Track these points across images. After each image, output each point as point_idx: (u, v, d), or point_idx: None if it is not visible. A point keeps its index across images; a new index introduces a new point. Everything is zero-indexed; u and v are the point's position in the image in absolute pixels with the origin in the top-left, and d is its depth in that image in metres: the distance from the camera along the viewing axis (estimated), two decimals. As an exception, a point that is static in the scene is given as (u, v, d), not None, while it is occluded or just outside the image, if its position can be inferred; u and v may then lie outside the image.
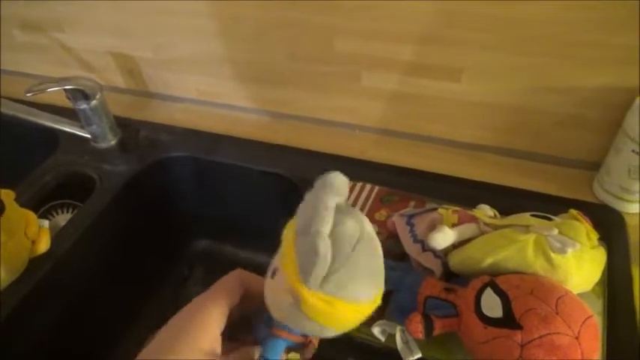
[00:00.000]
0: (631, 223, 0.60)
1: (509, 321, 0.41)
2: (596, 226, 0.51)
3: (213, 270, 0.86)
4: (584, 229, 0.47)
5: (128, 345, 0.74)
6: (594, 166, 0.66)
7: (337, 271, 0.31)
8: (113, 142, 0.77)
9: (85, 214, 0.68)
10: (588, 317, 0.41)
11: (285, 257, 0.33)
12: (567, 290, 0.43)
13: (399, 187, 0.64)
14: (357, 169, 0.70)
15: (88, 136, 0.75)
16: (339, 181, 0.33)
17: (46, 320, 0.63)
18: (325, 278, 0.31)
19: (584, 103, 0.62)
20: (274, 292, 0.35)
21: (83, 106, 0.70)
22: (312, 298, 0.31)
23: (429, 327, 0.44)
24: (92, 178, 0.73)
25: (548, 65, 0.61)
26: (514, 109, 0.66)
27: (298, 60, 0.73)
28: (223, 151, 0.77)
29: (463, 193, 0.62)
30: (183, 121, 0.84)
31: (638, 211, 0.61)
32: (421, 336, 0.44)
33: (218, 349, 0.37)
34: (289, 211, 0.64)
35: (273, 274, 0.35)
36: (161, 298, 0.81)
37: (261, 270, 0.47)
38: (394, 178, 0.67)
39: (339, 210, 0.32)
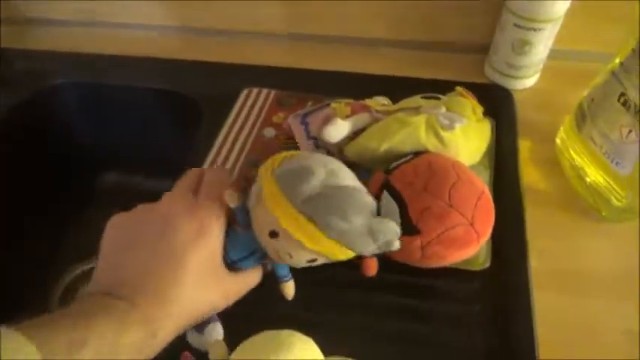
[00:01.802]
0: (519, 98, 0.62)
1: (407, 228, 0.41)
2: (486, 104, 0.52)
3: (122, 203, 0.83)
4: (469, 104, 0.48)
5: (36, 300, 0.70)
6: (485, 48, 0.67)
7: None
8: (-16, 76, 0.68)
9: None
10: (480, 195, 0.43)
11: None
12: (459, 172, 0.43)
13: (295, 89, 0.63)
14: (253, 75, 0.67)
15: (-51, 70, 0.66)
16: None
17: None
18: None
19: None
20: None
21: None
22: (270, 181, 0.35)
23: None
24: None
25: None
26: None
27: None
28: (114, 73, 0.71)
29: (359, 87, 0.60)
30: (66, 45, 0.75)
31: (525, 86, 0.64)
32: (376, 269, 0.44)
33: (220, 264, 0.38)
34: (193, 131, 0.63)
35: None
36: (68, 242, 0.76)
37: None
38: (291, 80, 0.65)
39: None
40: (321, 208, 0.34)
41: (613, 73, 0.45)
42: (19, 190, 0.71)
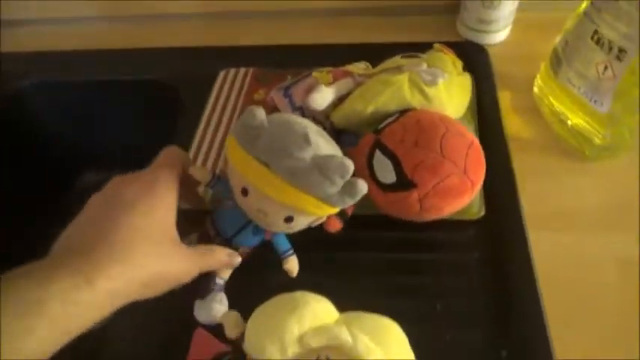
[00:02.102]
0: (494, 52, 0.64)
1: (403, 183, 0.42)
2: (462, 61, 0.54)
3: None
4: (449, 59, 0.49)
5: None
6: (456, 8, 0.67)
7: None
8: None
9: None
10: (470, 144, 0.44)
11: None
12: (447, 125, 0.44)
13: (272, 66, 0.63)
14: (229, 56, 0.67)
15: None
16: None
17: None
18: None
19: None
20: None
21: None
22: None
23: (342, 215, 0.44)
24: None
25: None
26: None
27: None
28: (85, 68, 0.70)
29: (336, 58, 0.60)
30: (27, 45, 0.74)
31: (497, 40, 0.65)
32: (340, 226, 0.44)
33: (174, 231, 0.36)
34: (174, 119, 0.62)
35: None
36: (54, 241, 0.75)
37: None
38: (267, 57, 0.65)
39: None
40: (265, 148, 0.36)
41: (585, 14, 0.46)
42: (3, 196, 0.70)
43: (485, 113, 0.56)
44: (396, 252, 0.47)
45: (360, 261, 0.47)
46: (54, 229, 0.76)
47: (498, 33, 0.64)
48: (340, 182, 0.36)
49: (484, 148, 0.50)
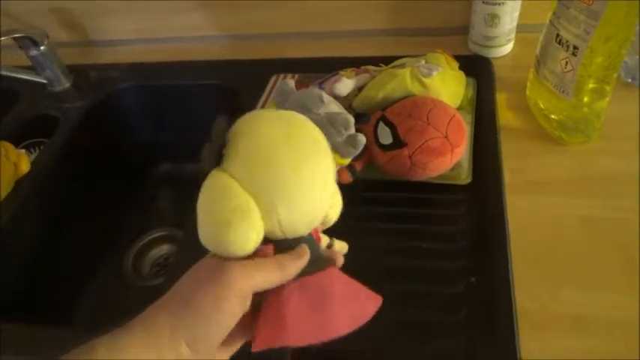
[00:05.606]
0: (498, 63, 0.76)
1: (397, 143, 0.55)
2: (470, 70, 0.68)
3: (178, 189, 0.98)
4: (443, 58, 0.62)
5: (113, 260, 0.86)
6: (466, 29, 0.81)
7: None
8: (67, 85, 0.85)
9: (54, 144, 0.79)
10: (452, 117, 0.56)
11: None
12: (436, 103, 0.57)
13: (313, 72, 0.78)
14: (280, 65, 0.82)
15: (45, 81, 0.83)
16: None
17: (32, 231, 0.74)
18: None
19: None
20: None
21: (34, 52, 0.79)
22: None
23: (352, 169, 0.58)
24: (55, 116, 0.82)
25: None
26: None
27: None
28: (167, 75, 0.89)
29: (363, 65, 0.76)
30: (127, 59, 0.94)
31: (501, 54, 0.77)
32: (350, 179, 0.58)
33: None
34: (234, 117, 0.78)
35: None
36: (133, 218, 0.92)
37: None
38: (308, 66, 0.80)
39: None
40: (292, 105, 0.50)
41: (550, 22, 0.58)
42: (95, 177, 0.88)
43: (483, 108, 0.68)
44: (398, 207, 0.59)
45: (368, 214, 0.59)
46: (135, 204, 0.94)
47: (502, 47, 0.76)
48: (345, 133, 0.49)
49: (479, 134, 0.63)
